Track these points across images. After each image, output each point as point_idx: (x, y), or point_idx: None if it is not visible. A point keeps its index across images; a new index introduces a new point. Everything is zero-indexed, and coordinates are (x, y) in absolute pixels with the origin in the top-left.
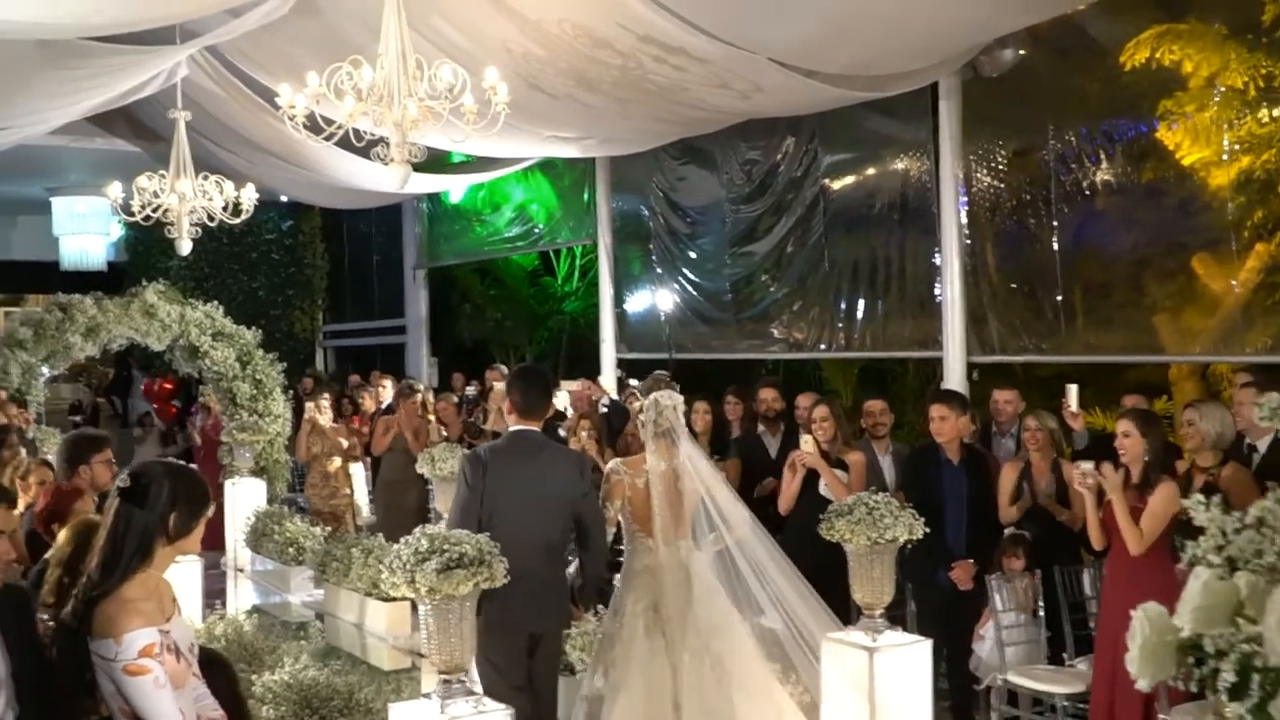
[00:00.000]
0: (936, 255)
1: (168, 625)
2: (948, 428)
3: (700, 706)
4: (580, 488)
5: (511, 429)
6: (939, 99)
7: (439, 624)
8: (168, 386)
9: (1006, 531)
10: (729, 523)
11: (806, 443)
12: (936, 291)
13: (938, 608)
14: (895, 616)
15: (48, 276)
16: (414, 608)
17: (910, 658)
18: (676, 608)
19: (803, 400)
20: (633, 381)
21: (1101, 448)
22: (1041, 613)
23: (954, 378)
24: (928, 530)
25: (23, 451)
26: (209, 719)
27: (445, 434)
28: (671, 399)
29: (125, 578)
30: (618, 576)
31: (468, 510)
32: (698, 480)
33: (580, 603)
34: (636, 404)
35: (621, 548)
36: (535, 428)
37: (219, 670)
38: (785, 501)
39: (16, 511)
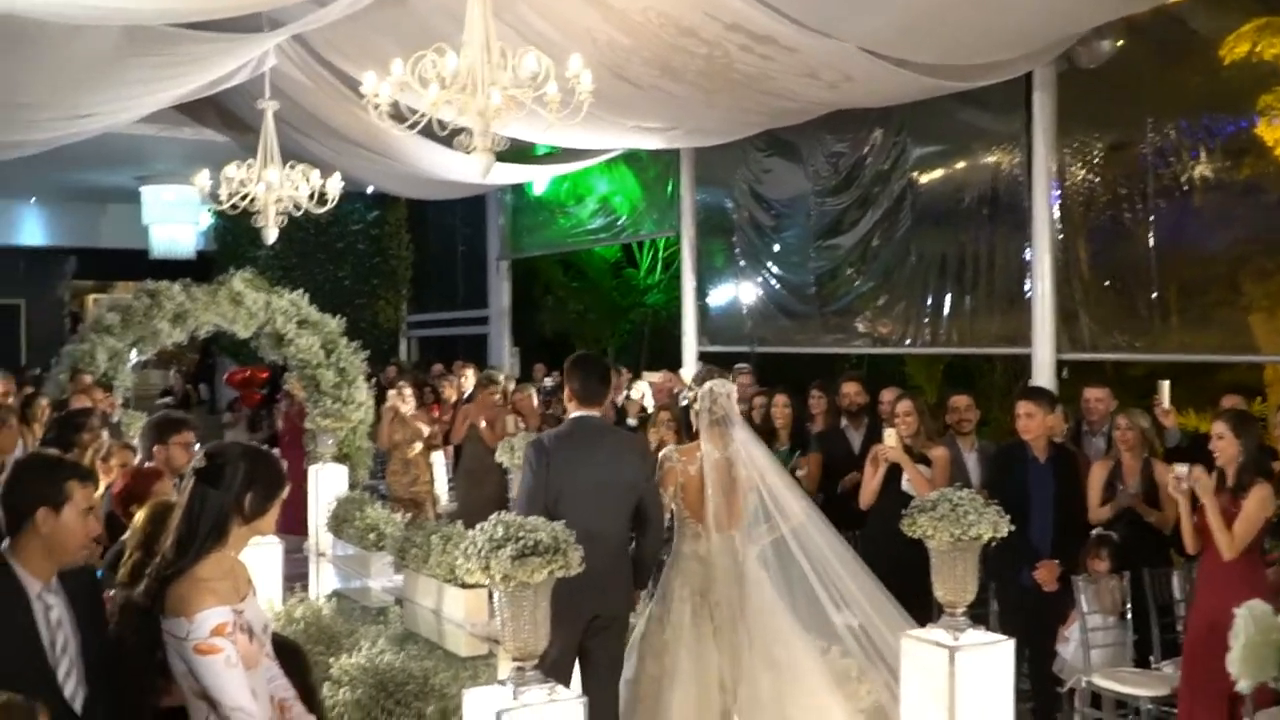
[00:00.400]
0: (1027, 250)
1: (241, 605)
2: (1035, 425)
3: (751, 696)
4: (643, 472)
5: (572, 415)
6: (1033, 90)
7: (513, 611)
8: (262, 375)
9: (1093, 532)
10: (784, 511)
11: (889, 437)
12: (1026, 287)
13: (1021, 607)
14: (978, 615)
15: (137, 264)
16: (491, 595)
17: (992, 657)
18: (727, 596)
19: (886, 395)
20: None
21: (1197, 449)
22: (1129, 615)
23: (1043, 375)
24: (1012, 528)
25: (104, 434)
26: (281, 700)
27: (523, 424)
28: (725, 387)
29: (199, 557)
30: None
31: (534, 497)
32: (752, 468)
33: (636, 586)
34: (690, 394)
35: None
36: (596, 413)
37: (292, 657)
38: (867, 496)
39: (97, 493)
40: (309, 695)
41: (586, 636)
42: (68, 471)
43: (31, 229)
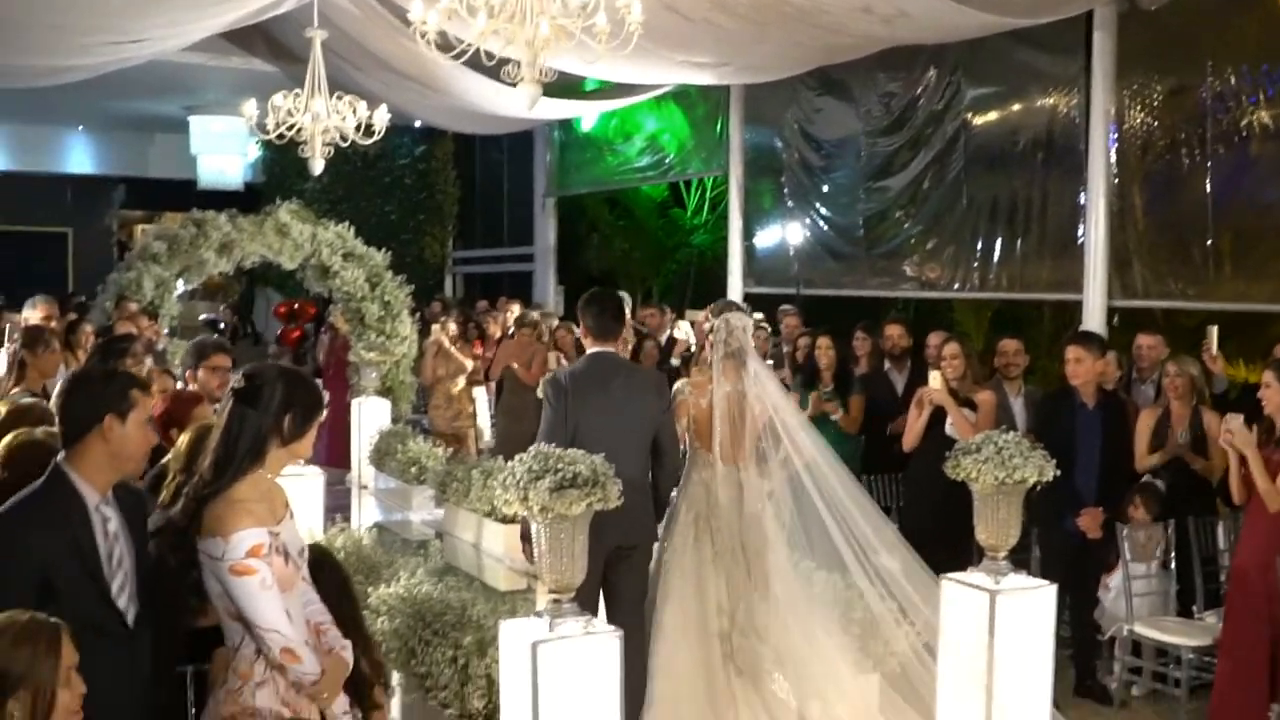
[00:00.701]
0: (1081, 195)
1: (278, 527)
2: (1083, 370)
3: (748, 621)
4: (659, 406)
5: (589, 351)
6: (1093, 31)
7: (551, 543)
8: (309, 309)
9: (1139, 481)
10: (797, 445)
11: (934, 379)
12: (1079, 233)
13: (1064, 554)
14: (1019, 561)
15: (184, 194)
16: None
17: (1034, 602)
18: (728, 524)
19: (933, 338)
20: (757, 315)
21: (1247, 399)
22: (1172, 564)
23: (1093, 322)
24: (1058, 473)
25: (148, 360)
26: (316, 623)
27: (564, 361)
28: (741, 320)
29: (236, 478)
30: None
31: (554, 432)
32: (765, 401)
33: (656, 517)
34: (707, 325)
35: None
36: (611, 349)
37: (327, 567)
38: (910, 438)
39: None
40: (350, 604)
41: (609, 567)
42: (130, 381)
43: (79, 157)
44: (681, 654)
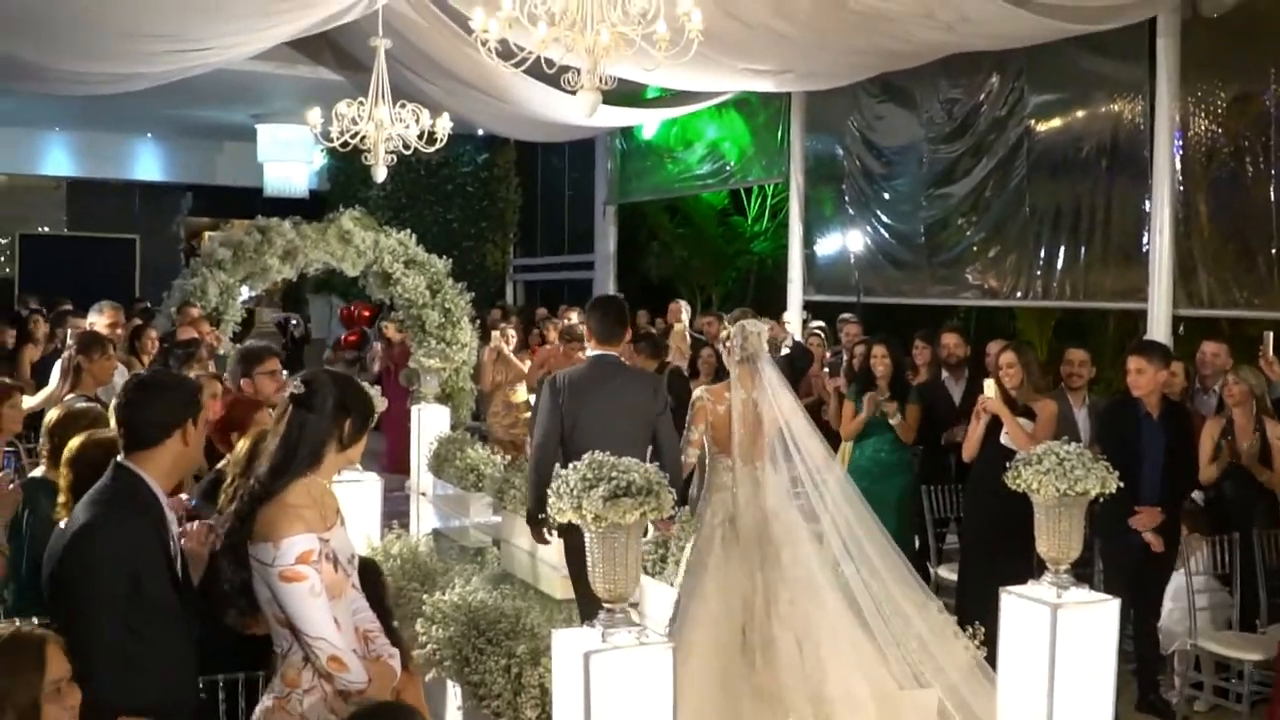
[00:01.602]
0: (1146, 203)
1: (328, 534)
2: (1145, 381)
3: (767, 610)
4: (654, 407)
5: (591, 354)
6: (1156, 37)
7: (604, 552)
8: (365, 313)
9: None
10: (804, 452)
11: (989, 387)
12: (1144, 241)
13: (1127, 567)
14: (1081, 575)
15: (251, 202)
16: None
17: (1096, 617)
18: (748, 518)
19: (993, 347)
20: (817, 323)
21: None
22: (1237, 578)
23: (1158, 331)
24: (1121, 485)
25: (211, 366)
26: (365, 630)
27: None
28: (756, 326)
29: (291, 481)
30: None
31: (548, 432)
32: (776, 410)
33: None
34: (723, 332)
35: None
36: (614, 352)
37: (368, 576)
38: (969, 448)
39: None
40: (384, 615)
41: None
42: (199, 388)
43: (148, 164)
44: (703, 657)
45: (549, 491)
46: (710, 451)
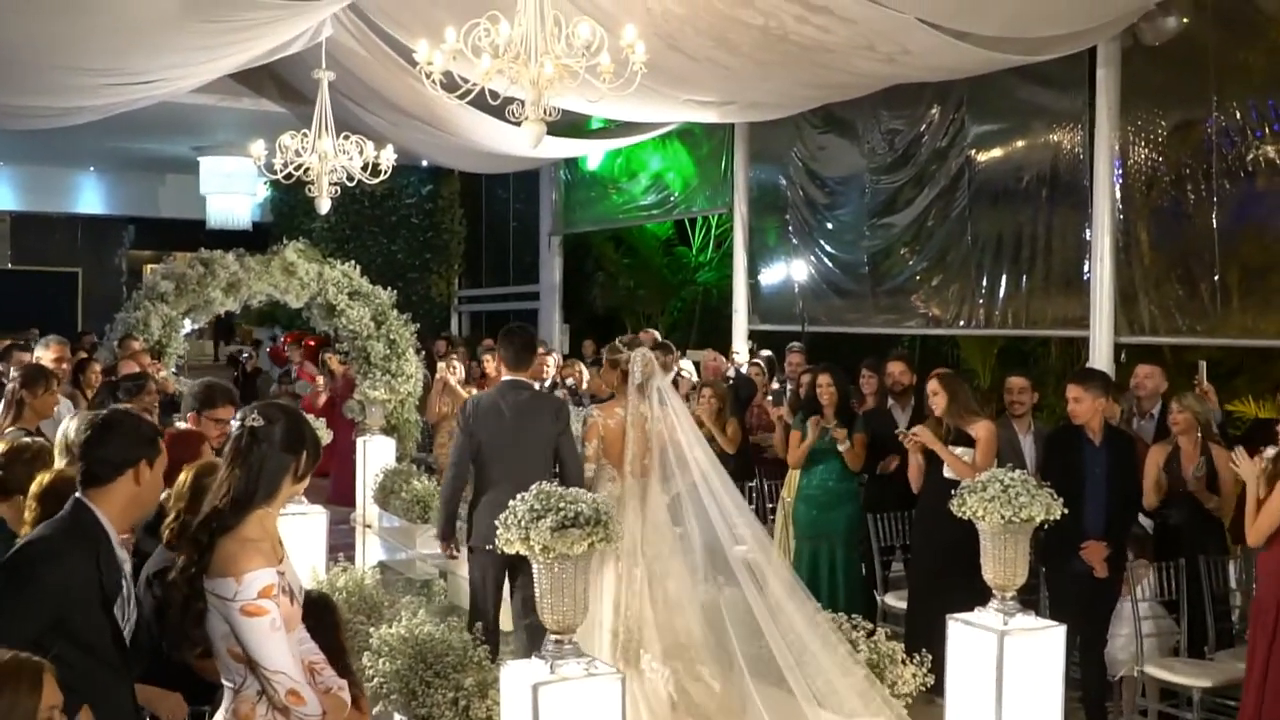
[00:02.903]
0: (1087, 231)
1: (282, 567)
2: (1083, 409)
3: (639, 613)
4: (555, 428)
5: (502, 379)
6: (1097, 67)
7: (552, 583)
8: (310, 344)
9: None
10: (685, 465)
11: (920, 429)
12: (1085, 269)
13: (1073, 593)
14: (1027, 602)
15: (194, 234)
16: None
17: (1043, 643)
18: (630, 531)
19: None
20: (764, 352)
21: (1260, 434)
22: (1183, 604)
23: (1100, 358)
24: (1066, 511)
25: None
26: (310, 662)
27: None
28: (648, 355)
29: (248, 515)
30: None
31: (461, 451)
32: (665, 429)
33: None
34: (622, 356)
35: None
36: (522, 378)
37: (325, 612)
38: (914, 478)
39: None
40: (340, 652)
41: (511, 570)
42: (159, 430)
43: (90, 197)
44: None
45: (497, 521)
46: (598, 463)
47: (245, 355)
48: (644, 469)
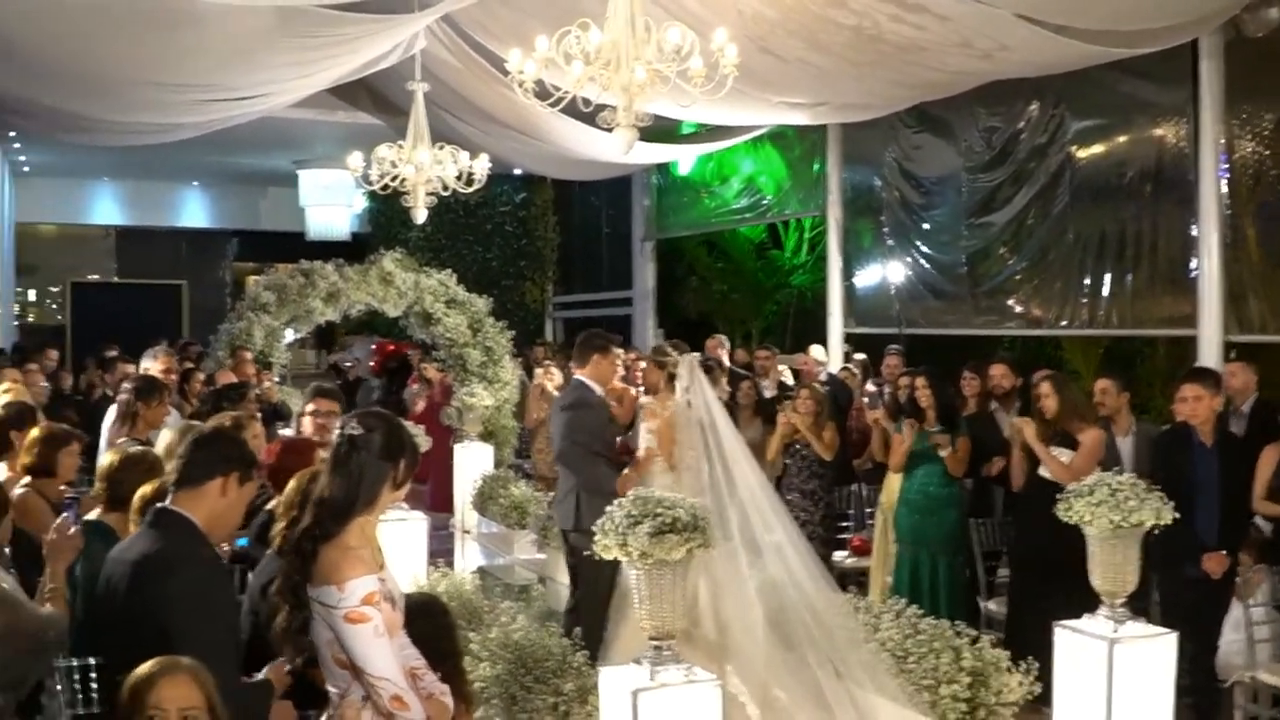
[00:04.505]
0: (1193, 228)
1: (382, 574)
2: (1202, 408)
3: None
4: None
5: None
6: (1199, 60)
7: (651, 589)
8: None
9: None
10: (721, 438)
11: (1024, 422)
12: (1191, 266)
13: (1184, 599)
14: (1137, 608)
15: (295, 246)
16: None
17: (1154, 651)
18: None
19: (1038, 377)
20: (859, 355)
21: None
22: None
23: (1209, 358)
24: (1176, 516)
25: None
26: (412, 668)
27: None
28: (693, 361)
29: (350, 523)
30: None
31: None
32: (700, 400)
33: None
34: (670, 359)
35: None
36: (582, 377)
37: (438, 615)
38: (1017, 477)
39: None
40: (453, 655)
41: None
42: (254, 460)
43: (194, 211)
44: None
45: (595, 527)
46: (649, 452)
47: (348, 364)
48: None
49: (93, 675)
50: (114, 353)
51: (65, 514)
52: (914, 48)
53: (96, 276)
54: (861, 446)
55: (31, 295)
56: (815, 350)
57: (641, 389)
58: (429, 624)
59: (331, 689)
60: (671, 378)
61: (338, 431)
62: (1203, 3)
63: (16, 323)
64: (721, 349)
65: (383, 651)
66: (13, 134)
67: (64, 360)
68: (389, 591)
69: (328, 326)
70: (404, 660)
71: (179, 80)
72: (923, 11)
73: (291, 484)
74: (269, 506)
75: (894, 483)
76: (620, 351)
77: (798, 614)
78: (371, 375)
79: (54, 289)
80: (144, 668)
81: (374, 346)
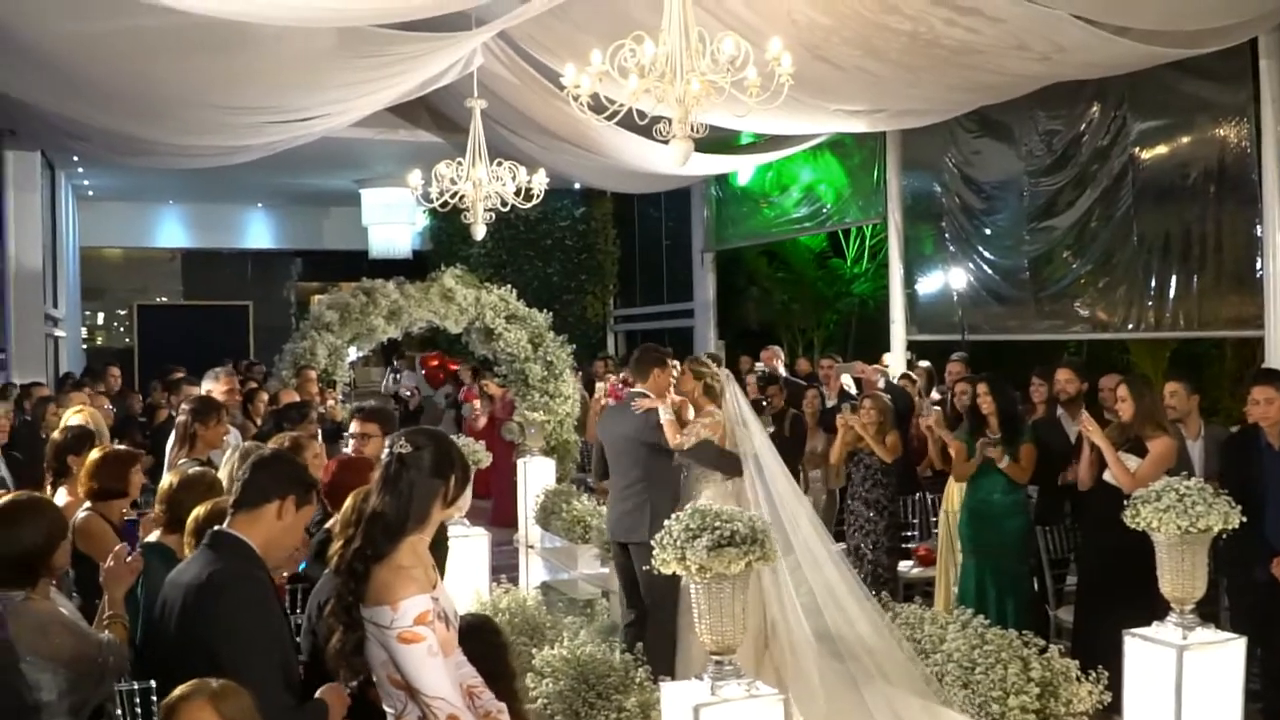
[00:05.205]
0: (1258, 227)
1: (436, 593)
2: (1274, 411)
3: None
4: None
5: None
6: (1258, 59)
7: (710, 603)
8: (432, 363)
9: None
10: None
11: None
12: (1257, 266)
13: (1254, 605)
14: (1206, 614)
15: (358, 265)
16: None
17: (1223, 657)
18: None
19: (1106, 382)
20: (922, 363)
21: None
22: None
23: (1277, 358)
24: (1244, 520)
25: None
26: (469, 686)
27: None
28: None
29: (401, 542)
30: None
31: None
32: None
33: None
34: (707, 370)
35: None
36: (643, 388)
37: (489, 634)
38: (1084, 475)
39: None
40: (506, 675)
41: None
42: (314, 483)
43: (259, 232)
44: None
45: (653, 542)
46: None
47: (407, 393)
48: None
49: (153, 698)
50: (180, 374)
51: (122, 543)
52: (970, 51)
53: (163, 299)
54: (924, 454)
55: (100, 319)
56: (889, 358)
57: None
58: (481, 644)
59: (388, 709)
60: (709, 389)
61: (386, 450)
62: (1258, 1)
63: (84, 347)
64: (777, 359)
65: (437, 671)
66: (75, 158)
67: (131, 383)
68: (443, 610)
69: (390, 344)
70: (461, 678)
71: (237, 103)
72: (977, 14)
73: (347, 502)
74: (327, 525)
75: (955, 489)
76: (676, 364)
77: (840, 632)
78: (431, 388)
79: (121, 312)
80: (173, 694)
81: (419, 359)
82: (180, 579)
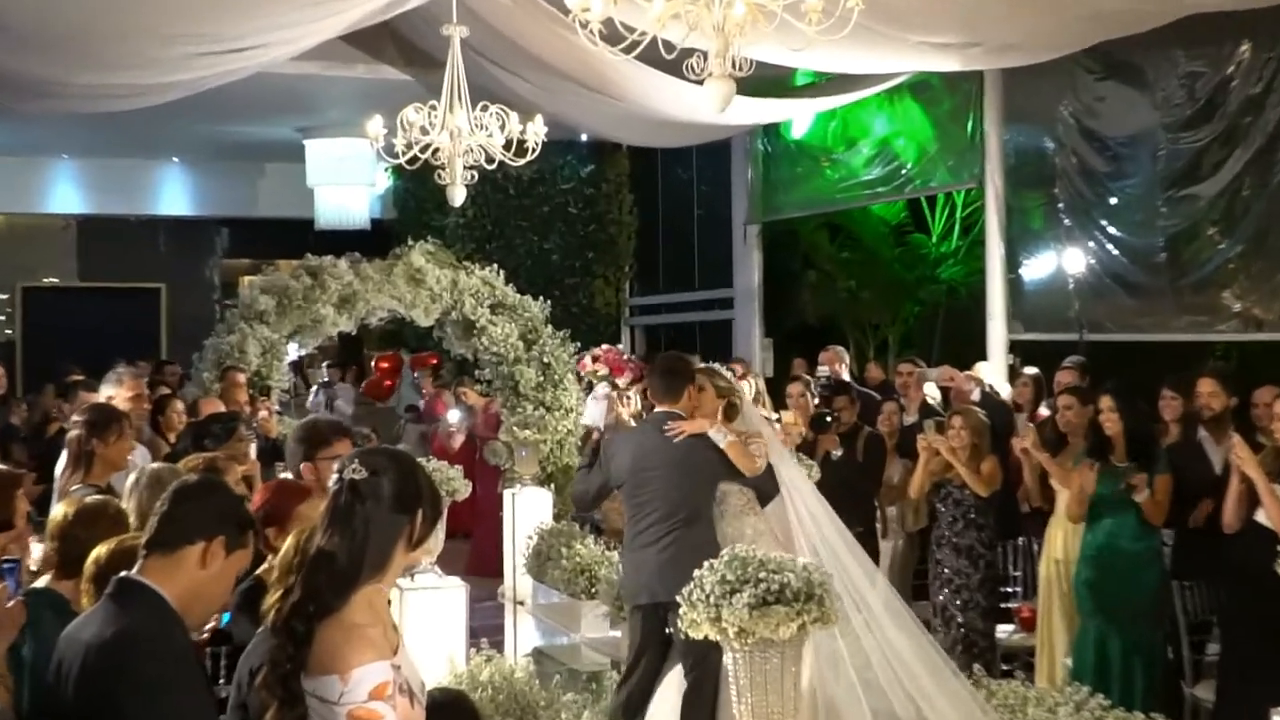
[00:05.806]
0: None
1: (397, 659)
2: None
3: None
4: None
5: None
6: None
7: (751, 677)
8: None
9: None
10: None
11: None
12: None
13: None
14: None
15: (300, 237)
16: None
17: None
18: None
19: (1262, 395)
20: (1029, 370)
21: None
22: None
23: None
24: None
25: (252, 449)
26: None
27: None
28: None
29: (354, 594)
30: None
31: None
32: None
33: None
34: (725, 384)
35: None
36: (674, 409)
37: (461, 714)
38: (1228, 516)
39: None
40: None
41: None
42: (250, 521)
43: (174, 195)
44: None
45: (679, 597)
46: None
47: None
48: None
49: None
50: (76, 376)
51: (3, 583)
52: None
53: (53, 279)
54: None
55: None
56: (980, 368)
57: None
58: None
59: None
60: (732, 406)
61: (335, 476)
62: None
63: None
64: (841, 364)
65: None
66: None
67: (13, 386)
68: (405, 681)
69: (343, 341)
70: None
71: (162, 30)
72: None
73: (289, 543)
74: (259, 571)
75: (1061, 532)
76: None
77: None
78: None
79: (1, 296)
80: None
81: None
82: (79, 635)
